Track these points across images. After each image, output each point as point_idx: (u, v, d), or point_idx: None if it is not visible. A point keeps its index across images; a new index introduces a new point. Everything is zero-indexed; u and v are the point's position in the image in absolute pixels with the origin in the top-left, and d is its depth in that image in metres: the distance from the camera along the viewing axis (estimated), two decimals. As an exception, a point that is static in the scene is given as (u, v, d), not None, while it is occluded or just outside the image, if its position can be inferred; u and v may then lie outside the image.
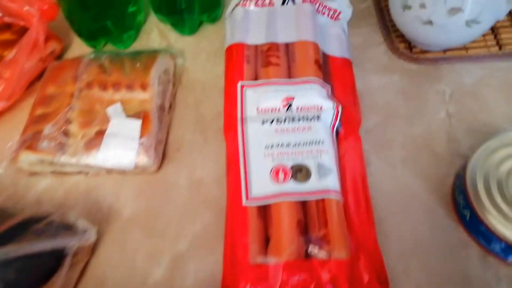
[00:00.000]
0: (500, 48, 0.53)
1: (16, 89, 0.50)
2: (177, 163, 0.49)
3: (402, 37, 0.55)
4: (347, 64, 0.49)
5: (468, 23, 0.45)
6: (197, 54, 0.56)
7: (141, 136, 0.46)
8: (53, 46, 0.54)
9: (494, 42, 0.54)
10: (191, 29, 0.57)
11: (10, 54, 0.49)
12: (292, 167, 0.39)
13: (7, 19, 0.53)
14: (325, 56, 0.48)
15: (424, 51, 0.54)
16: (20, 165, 0.46)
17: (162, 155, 0.49)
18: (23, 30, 0.53)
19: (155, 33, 0.59)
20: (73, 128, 0.46)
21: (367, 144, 0.47)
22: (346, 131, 0.44)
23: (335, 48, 0.49)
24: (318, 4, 0.50)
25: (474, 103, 0.50)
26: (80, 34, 0.56)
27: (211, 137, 0.50)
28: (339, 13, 0.51)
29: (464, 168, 0.42)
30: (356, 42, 0.55)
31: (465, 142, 0.47)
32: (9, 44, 0.51)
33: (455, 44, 0.51)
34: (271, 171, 0.39)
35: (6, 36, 0.52)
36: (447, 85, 0.51)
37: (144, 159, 0.45)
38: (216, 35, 0.58)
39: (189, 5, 0.53)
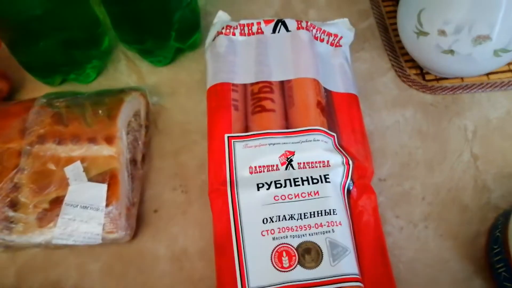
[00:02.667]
0: (526, 72, 0.46)
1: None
2: (155, 228, 0.40)
3: (412, 61, 0.47)
4: (353, 101, 0.41)
5: (497, 52, 0.38)
6: (175, 89, 0.48)
7: (108, 204, 0.37)
8: (-2, 85, 0.45)
9: (518, 66, 0.47)
10: (166, 59, 0.48)
11: None
12: (298, 248, 0.31)
13: None
14: (328, 94, 0.40)
15: (438, 78, 0.46)
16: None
17: (137, 219, 0.40)
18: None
19: (123, 63, 0.50)
20: (23, 197, 0.37)
21: (381, 197, 0.40)
22: (359, 189, 0.36)
23: (339, 82, 0.41)
24: (315, 29, 0.42)
25: (503, 140, 0.43)
26: (30, 69, 0.46)
27: (195, 194, 0.41)
28: (340, 38, 0.43)
29: (501, 226, 0.35)
30: (360, 70, 0.47)
31: (497, 190, 0.40)
32: None
33: (478, 74, 0.43)
34: (272, 253, 0.31)
35: None
36: (469, 119, 0.44)
37: (113, 232, 0.37)
38: (196, 64, 0.49)
39: (157, 31, 0.44)
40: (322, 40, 0.42)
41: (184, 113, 0.46)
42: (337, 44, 0.43)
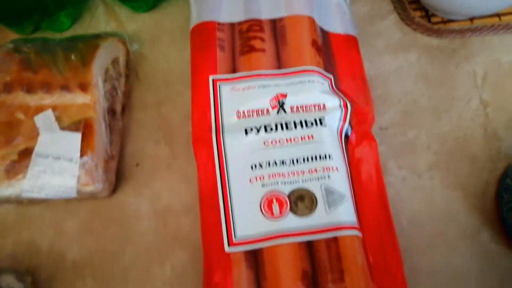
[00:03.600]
0: (541, 13, 0.42)
1: None
2: (137, 183, 0.37)
3: (416, 2, 0.43)
4: (352, 43, 0.37)
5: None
6: (157, 36, 0.44)
7: (83, 154, 0.34)
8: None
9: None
10: (147, 3, 0.44)
11: None
12: (290, 195, 0.28)
13: None
14: (325, 35, 0.36)
15: (446, 21, 0.42)
16: None
17: (117, 173, 0.37)
18: None
19: (101, 10, 0.45)
20: (-12, 148, 0.34)
21: (382, 146, 0.36)
22: (358, 134, 0.33)
23: (336, 23, 0.37)
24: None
25: (515, 86, 0.39)
26: (-1, 17, 0.42)
27: (180, 148, 0.38)
28: (340, -24, 0.39)
29: (512, 175, 0.32)
30: (359, 13, 0.43)
31: (508, 138, 0.37)
32: None
33: (487, 10, 0.39)
34: (261, 201, 0.28)
35: None
36: (478, 64, 0.40)
37: (89, 185, 0.34)
38: (180, 10, 0.44)
39: None
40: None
41: (167, 62, 0.42)
42: (334, -20, 0.39)
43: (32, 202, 0.36)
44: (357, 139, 0.33)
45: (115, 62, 0.39)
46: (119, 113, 0.39)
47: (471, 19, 0.42)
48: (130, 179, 0.37)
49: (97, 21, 0.45)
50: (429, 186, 0.35)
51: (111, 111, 0.38)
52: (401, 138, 0.37)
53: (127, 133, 0.39)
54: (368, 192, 0.31)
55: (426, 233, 0.34)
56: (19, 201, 0.36)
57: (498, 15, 0.42)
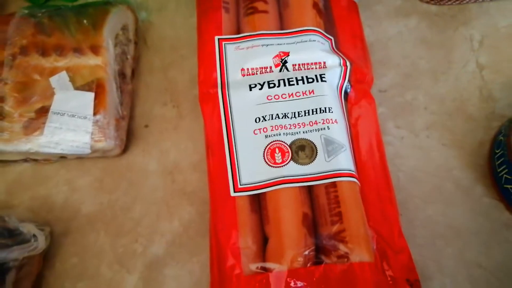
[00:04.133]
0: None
1: None
2: (146, 143, 0.39)
3: (417, -29, 0.44)
4: (352, 7, 0.38)
5: None
6: (164, 4, 0.45)
7: (96, 112, 0.36)
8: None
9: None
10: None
11: None
12: (291, 144, 0.30)
13: None
14: (326, -1, 0.37)
15: (445, -12, 0.43)
16: None
17: (127, 134, 0.39)
18: None
19: (110, -20, 0.47)
20: (7, 106, 0.36)
21: (381, 108, 0.38)
22: (357, 93, 0.34)
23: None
24: None
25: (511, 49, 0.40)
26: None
27: (186, 109, 0.40)
28: None
29: (506, 132, 0.33)
30: (360, -20, 0.44)
31: (503, 99, 0.38)
32: None
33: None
34: (265, 151, 0.30)
35: None
36: (475, 28, 0.41)
37: (101, 141, 0.35)
38: (187, -22, 0.46)
39: None
40: None
41: (173, 28, 0.44)
42: None
43: (47, 161, 0.39)
44: (356, 97, 0.34)
45: (124, 28, 0.41)
46: (129, 77, 0.40)
47: (470, -14, 0.43)
48: (139, 139, 0.39)
49: (106, -10, 0.46)
50: (426, 144, 0.37)
51: (122, 74, 0.39)
52: (399, 99, 0.39)
53: (137, 95, 0.41)
54: (367, 148, 0.33)
55: (423, 188, 0.35)
56: (35, 160, 0.38)
57: (497, -18, 0.43)
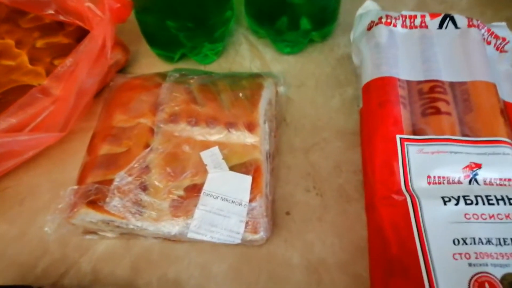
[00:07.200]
0: None
1: (72, 115, 0.35)
2: (288, 232, 0.36)
3: None
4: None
5: None
6: (302, 80, 0.43)
7: (252, 199, 0.32)
8: (117, 56, 0.40)
9: None
10: (296, 46, 0.44)
11: (64, 64, 0.35)
12: (502, 280, 0.26)
13: (60, 18, 0.39)
14: (504, 104, 0.35)
15: None
16: (74, 222, 0.33)
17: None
18: (79, 32, 0.39)
19: (245, 47, 0.45)
20: (154, 179, 0.33)
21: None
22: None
23: (509, 91, 0.36)
24: (484, 29, 0.38)
25: None
26: (153, 42, 0.42)
27: (331, 199, 0.37)
28: (507, 42, 0.38)
29: None
30: None
31: None
32: (62, 50, 0.37)
33: None
34: (470, 283, 0.26)
35: (58, 39, 0.38)
36: None
37: (256, 232, 0.32)
38: (324, 57, 0.45)
39: (293, 19, 0.40)
40: (489, 43, 0.38)
41: (313, 107, 0.42)
42: (502, 49, 0.38)
43: (178, 241, 0.35)
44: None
45: (270, 103, 0.39)
46: (272, 156, 0.38)
47: None
48: (280, 227, 0.36)
49: (242, 57, 0.45)
50: None
51: (268, 155, 0.37)
52: None
53: (277, 177, 0.38)
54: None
55: None
56: (165, 238, 0.35)
57: None
